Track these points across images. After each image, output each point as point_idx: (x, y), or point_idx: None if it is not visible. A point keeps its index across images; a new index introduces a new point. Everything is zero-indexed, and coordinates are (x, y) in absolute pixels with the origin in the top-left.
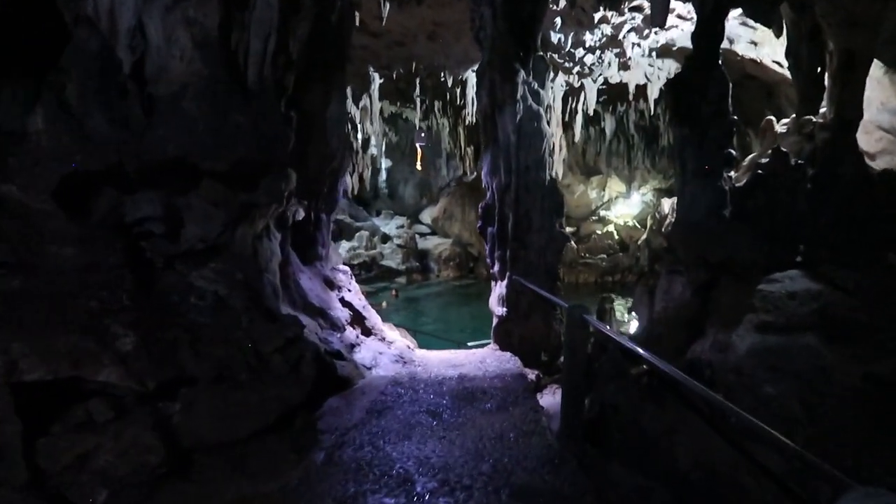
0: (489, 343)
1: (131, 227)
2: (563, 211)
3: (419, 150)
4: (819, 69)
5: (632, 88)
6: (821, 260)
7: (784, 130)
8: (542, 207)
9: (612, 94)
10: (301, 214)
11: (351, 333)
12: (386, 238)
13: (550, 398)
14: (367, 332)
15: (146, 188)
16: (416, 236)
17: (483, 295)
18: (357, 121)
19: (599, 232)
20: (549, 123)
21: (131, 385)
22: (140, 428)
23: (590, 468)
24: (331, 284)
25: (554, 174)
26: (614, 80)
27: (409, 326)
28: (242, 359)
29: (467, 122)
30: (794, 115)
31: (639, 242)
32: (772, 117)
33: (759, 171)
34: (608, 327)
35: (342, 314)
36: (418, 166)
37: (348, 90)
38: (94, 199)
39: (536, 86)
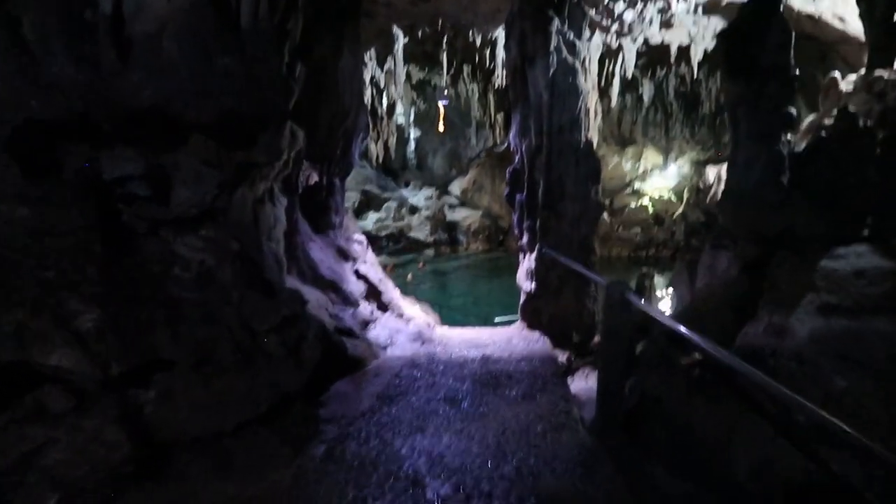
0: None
1: (111, 188)
2: (599, 177)
3: (442, 109)
4: None
5: (674, 50)
6: (891, 233)
7: (850, 89)
8: (576, 173)
9: (652, 57)
10: (313, 179)
11: (365, 309)
12: (414, 209)
13: (582, 382)
14: (384, 307)
15: (125, 144)
16: (445, 208)
17: (513, 269)
18: (382, 85)
19: (634, 205)
20: (585, 81)
21: (90, 370)
22: (102, 420)
23: (628, 470)
24: (345, 255)
25: (589, 136)
26: (655, 40)
27: (434, 301)
28: (231, 339)
29: (497, 86)
30: (862, 71)
31: (675, 216)
32: (836, 74)
33: (822, 134)
34: (655, 308)
35: (356, 288)
36: (440, 127)
37: (371, 52)
38: (63, 155)
39: (572, 36)
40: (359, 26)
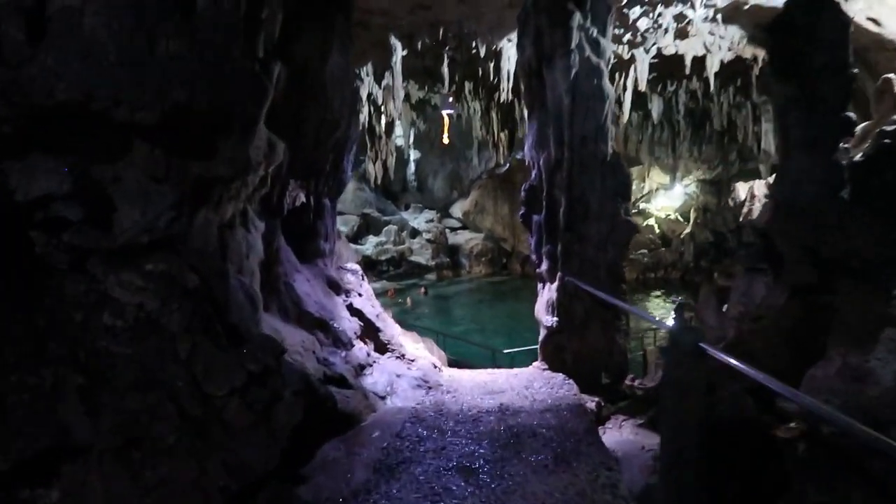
0: (528, 349)
1: (30, 211)
2: (629, 193)
3: (445, 119)
4: None
5: (688, 61)
6: None
7: None
8: (602, 188)
9: (663, 70)
10: (299, 199)
11: (360, 350)
12: (415, 233)
13: (616, 434)
14: (382, 347)
15: (42, 152)
16: (447, 231)
17: (518, 293)
18: (379, 102)
19: (640, 226)
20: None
21: None
22: None
23: None
24: (336, 287)
25: (614, 147)
26: (668, 51)
27: (437, 330)
28: (175, 409)
29: (501, 100)
30: None
31: (682, 237)
32: (891, 76)
33: (886, 141)
34: (741, 362)
35: (349, 325)
36: (444, 139)
37: (368, 67)
38: None
39: (596, 32)
40: (350, 22)
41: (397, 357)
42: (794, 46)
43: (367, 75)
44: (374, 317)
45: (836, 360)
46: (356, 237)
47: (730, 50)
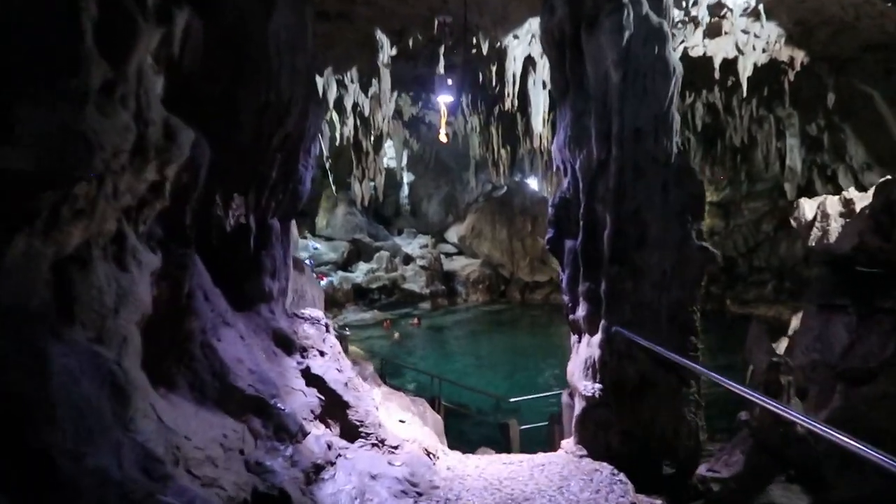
0: (536, 397)
1: None
2: (702, 209)
3: (443, 109)
4: None
5: (717, 63)
6: None
7: None
8: (664, 203)
9: (685, 78)
10: (235, 219)
11: (317, 442)
12: (408, 259)
13: None
14: (353, 430)
15: None
16: (442, 256)
17: (517, 322)
18: (367, 113)
19: None
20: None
21: None
22: None
23: None
24: (287, 345)
25: (681, 144)
26: (696, 52)
27: (431, 372)
28: None
29: (500, 112)
30: None
31: None
32: None
33: None
34: None
35: (303, 403)
36: (442, 136)
37: (353, 73)
38: None
39: None
40: None
41: (373, 445)
42: None
43: (352, 82)
44: (342, 386)
45: None
46: (346, 264)
47: (764, 51)
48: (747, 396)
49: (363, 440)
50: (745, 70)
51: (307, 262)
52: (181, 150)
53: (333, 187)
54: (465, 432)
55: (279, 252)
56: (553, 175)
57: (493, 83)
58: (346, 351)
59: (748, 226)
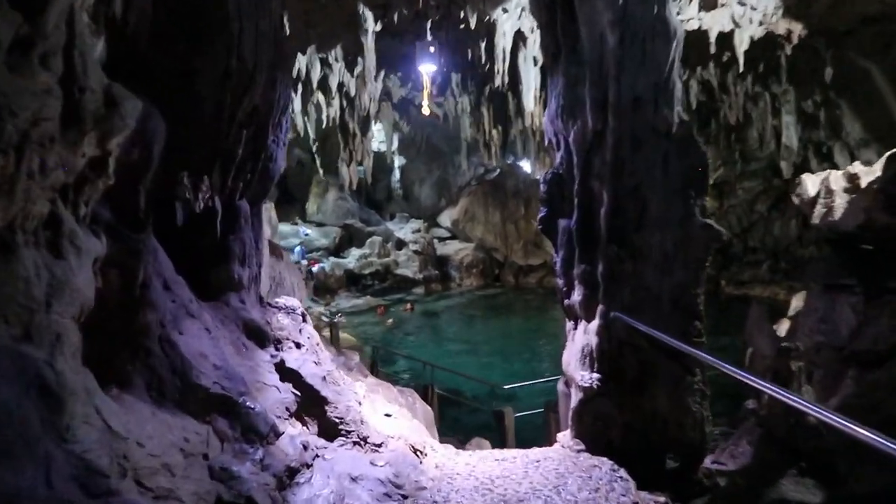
0: (531, 383)
1: None
2: (705, 183)
3: (426, 79)
4: None
5: (713, 37)
6: None
7: None
8: (665, 177)
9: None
10: (203, 200)
11: (291, 442)
12: (401, 244)
13: None
14: (332, 428)
15: None
16: (435, 241)
17: (511, 306)
18: (352, 93)
19: None
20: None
21: None
22: None
23: None
24: (259, 337)
25: (682, 113)
26: (691, 25)
27: (423, 360)
28: None
29: (496, 86)
30: None
31: None
32: None
33: None
34: None
35: (277, 399)
36: (425, 108)
37: (338, 52)
38: None
39: None
40: None
41: (355, 443)
42: None
43: (337, 61)
44: (320, 380)
45: None
46: (338, 250)
47: (761, 24)
48: (756, 386)
49: (343, 439)
50: (741, 44)
51: (297, 248)
52: (125, 120)
53: (321, 171)
54: (459, 420)
55: (249, 236)
56: (545, 156)
57: (483, 60)
58: (337, 338)
59: (742, 206)
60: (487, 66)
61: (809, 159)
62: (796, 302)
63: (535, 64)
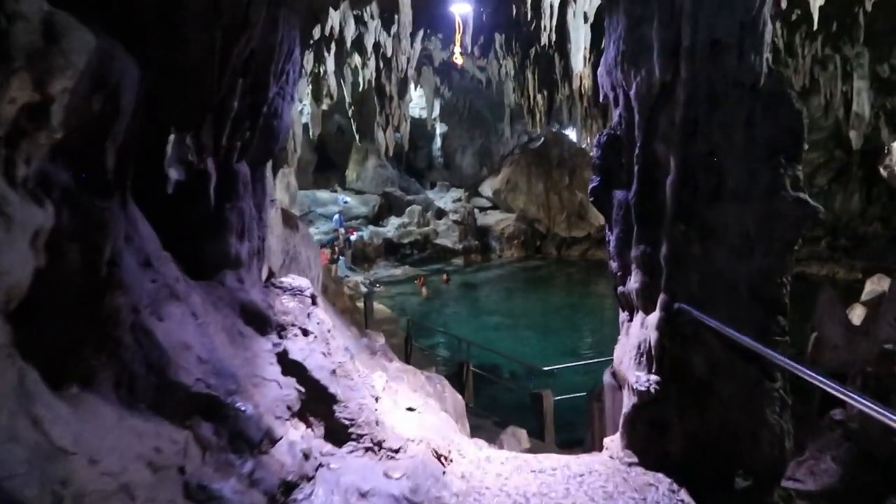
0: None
1: None
2: (800, 150)
3: (458, 21)
4: None
5: None
6: None
7: None
8: (749, 140)
9: None
10: (194, 162)
11: (289, 451)
12: (441, 213)
13: None
14: (340, 430)
15: None
16: (475, 211)
17: (552, 279)
18: (389, 53)
19: None
20: None
21: None
22: None
23: None
24: (259, 322)
25: (770, 62)
26: None
27: (459, 336)
28: None
29: (542, 46)
30: None
31: None
32: None
33: None
34: None
35: (275, 398)
36: (457, 56)
37: (373, 8)
38: None
39: None
40: None
41: (367, 449)
42: None
43: (372, 18)
44: (328, 374)
45: None
46: (377, 218)
47: None
48: (855, 403)
49: (354, 444)
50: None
51: (336, 216)
52: (68, 58)
53: (357, 136)
54: (495, 398)
55: (249, 205)
56: (593, 124)
57: (529, 17)
58: (371, 310)
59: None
60: (533, 23)
61: (880, 129)
62: (870, 286)
63: (586, 21)
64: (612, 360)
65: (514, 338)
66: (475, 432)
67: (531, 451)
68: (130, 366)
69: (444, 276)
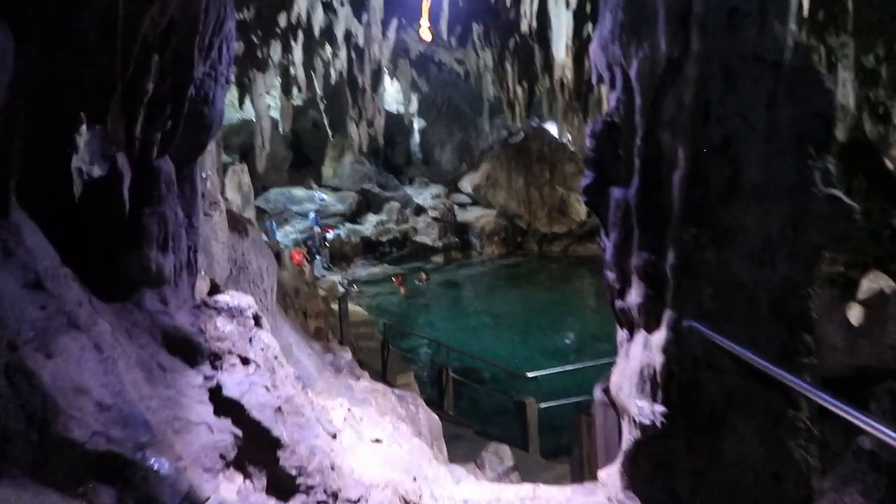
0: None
1: None
2: (830, 139)
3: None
4: None
5: None
6: None
7: None
8: (772, 128)
9: None
10: (93, 160)
11: None
12: (420, 210)
13: None
14: (286, 481)
15: None
16: (455, 207)
17: (534, 276)
18: (361, 43)
19: None
20: None
21: None
22: None
23: None
24: (187, 351)
25: (799, 34)
26: None
27: (439, 341)
28: None
29: (522, 35)
30: None
31: None
32: None
33: None
34: None
35: (205, 445)
36: (424, 32)
37: None
38: None
39: None
40: None
41: (320, 503)
42: None
43: (342, 5)
44: (272, 413)
45: None
46: (354, 216)
47: None
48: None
49: (303, 497)
50: None
51: (312, 214)
52: None
53: (330, 132)
54: (476, 402)
55: (173, 209)
56: (574, 117)
57: (508, 3)
58: (345, 313)
59: None
60: (512, 10)
61: (863, 121)
62: (870, 283)
63: (568, 7)
64: (598, 364)
65: (495, 337)
66: (454, 444)
67: (515, 467)
68: (2, 420)
69: (423, 275)
